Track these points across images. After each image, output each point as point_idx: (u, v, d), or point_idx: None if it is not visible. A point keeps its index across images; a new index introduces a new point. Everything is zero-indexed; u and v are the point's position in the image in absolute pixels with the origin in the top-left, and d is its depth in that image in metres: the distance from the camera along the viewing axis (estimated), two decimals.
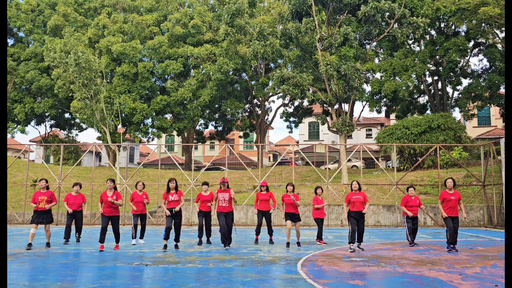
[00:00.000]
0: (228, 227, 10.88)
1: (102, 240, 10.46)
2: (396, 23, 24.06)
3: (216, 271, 7.58)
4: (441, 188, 19.65)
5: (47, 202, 10.90)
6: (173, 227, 10.74)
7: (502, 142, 17.51)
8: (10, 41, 38.29)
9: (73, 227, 12.47)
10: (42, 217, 10.89)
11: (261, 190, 12.12)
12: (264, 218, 12.00)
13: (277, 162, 23.20)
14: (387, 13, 23.75)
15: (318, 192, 12.13)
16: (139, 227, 12.02)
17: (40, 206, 10.79)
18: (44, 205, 10.83)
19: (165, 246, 10.58)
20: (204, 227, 11.82)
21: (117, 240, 10.84)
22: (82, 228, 12.70)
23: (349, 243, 10.40)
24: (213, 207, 11.36)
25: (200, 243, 11.77)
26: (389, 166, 36.81)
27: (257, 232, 12.26)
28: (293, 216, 11.29)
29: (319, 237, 12.20)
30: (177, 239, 10.90)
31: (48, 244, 11.12)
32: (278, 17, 27.65)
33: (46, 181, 11.25)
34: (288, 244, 11.21)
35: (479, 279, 6.82)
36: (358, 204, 10.36)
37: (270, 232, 12.19)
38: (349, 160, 35.16)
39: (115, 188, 10.59)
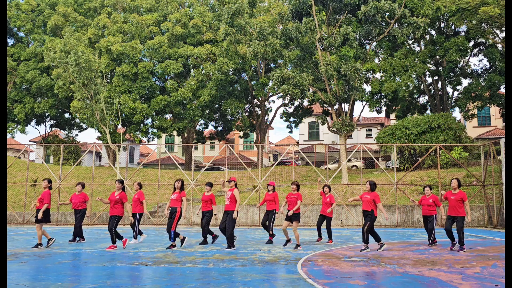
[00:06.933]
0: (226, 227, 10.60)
1: None
2: (396, 23, 24.05)
3: (216, 271, 7.58)
4: (442, 188, 19.65)
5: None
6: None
7: (502, 142, 17.51)
8: (10, 41, 38.28)
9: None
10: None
11: (268, 190, 12.01)
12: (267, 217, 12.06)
13: (277, 162, 23.19)
14: (387, 13, 23.74)
15: (325, 190, 12.54)
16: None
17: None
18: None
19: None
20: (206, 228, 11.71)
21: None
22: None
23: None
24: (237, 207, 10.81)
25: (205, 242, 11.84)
26: (389, 166, 36.83)
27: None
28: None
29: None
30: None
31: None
32: (278, 17, 27.64)
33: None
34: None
35: (479, 279, 6.82)
36: (364, 204, 10.52)
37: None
38: (349, 160, 35.17)
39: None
